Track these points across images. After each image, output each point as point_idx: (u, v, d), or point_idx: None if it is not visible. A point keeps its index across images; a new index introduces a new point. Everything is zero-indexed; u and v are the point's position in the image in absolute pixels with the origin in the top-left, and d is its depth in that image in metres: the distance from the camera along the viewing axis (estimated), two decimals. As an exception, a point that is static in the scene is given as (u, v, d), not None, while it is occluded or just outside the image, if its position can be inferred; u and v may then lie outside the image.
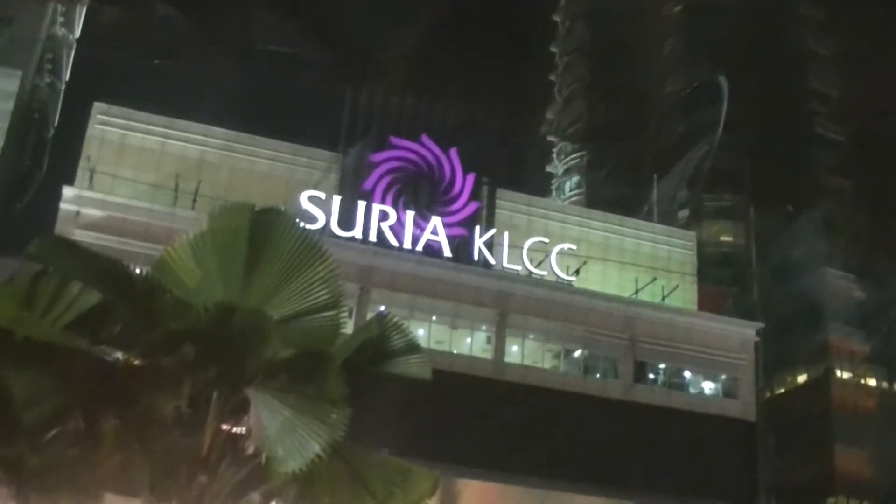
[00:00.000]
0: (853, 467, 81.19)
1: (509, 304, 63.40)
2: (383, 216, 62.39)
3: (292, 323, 15.32)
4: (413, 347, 16.80)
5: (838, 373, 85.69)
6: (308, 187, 61.82)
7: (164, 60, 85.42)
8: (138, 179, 59.55)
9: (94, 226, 55.12)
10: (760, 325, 73.15)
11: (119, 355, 15.19)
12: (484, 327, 63.69)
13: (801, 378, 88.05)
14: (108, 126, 61.29)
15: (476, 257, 64.26)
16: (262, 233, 15.13)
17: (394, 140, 65.54)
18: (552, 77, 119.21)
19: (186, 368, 14.73)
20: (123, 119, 61.81)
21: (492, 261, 64.45)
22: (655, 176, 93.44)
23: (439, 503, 28.47)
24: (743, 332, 70.30)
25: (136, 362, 15.29)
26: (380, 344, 16.31)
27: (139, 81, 76.53)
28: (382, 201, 63.19)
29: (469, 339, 63.49)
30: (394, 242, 62.22)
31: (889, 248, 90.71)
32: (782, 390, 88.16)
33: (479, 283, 63.14)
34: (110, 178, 58.99)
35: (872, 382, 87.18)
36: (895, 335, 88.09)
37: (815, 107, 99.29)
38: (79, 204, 56.72)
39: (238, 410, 15.31)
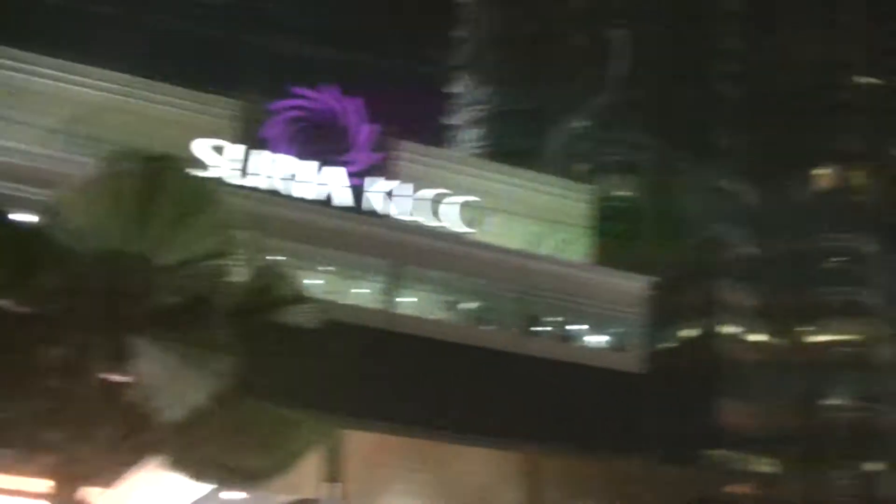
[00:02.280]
0: (736, 419, 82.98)
1: (405, 255, 63.40)
2: (281, 165, 61.97)
3: (182, 270, 15.27)
4: (301, 297, 16.82)
5: (725, 327, 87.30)
6: (206, 134, 61.02)
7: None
8: (33, 124, 58.40)
9: (-14, 170, 54.01)
10: (652, 278, 74.26)
11: (2, 303, 15.06)
12: (379, 278, 63.67)
13: (690, 331, 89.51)
14: (2, 69, 60.00)
15: (374, 208, 64.20)
16: (154, 179, 15.06)
17: (295, 88, 65.03)
18: (458, 32, 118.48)
19: (71, 316, 14.63)
20: (18, 62, 60.44)
21: (390, 212, 64.45)
22: (556, 129, 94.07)
23: (326, 454, 28.73)
24: (635, 286, 71.18)
25: (21, 310, 15.16)
26: (268, 293, 16.31)
27: (36, 23, 75.10)
28: (281, 150, 62.70)
29: (363, 290, 63.47)
30: (291, 192, 61.86)
31: (778, 203, 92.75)
32: (671, 344, 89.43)
33: (376, 233, 62.99)
34: (3, 123, 57.86)
35: (756, 337, 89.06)
36: (782, 290, 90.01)
37: (718, 64, 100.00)
38: (-30, 148, 55.49)
39: (122, 359, 15.20)
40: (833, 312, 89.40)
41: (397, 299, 63.00)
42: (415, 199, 64.85)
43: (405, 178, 65.40)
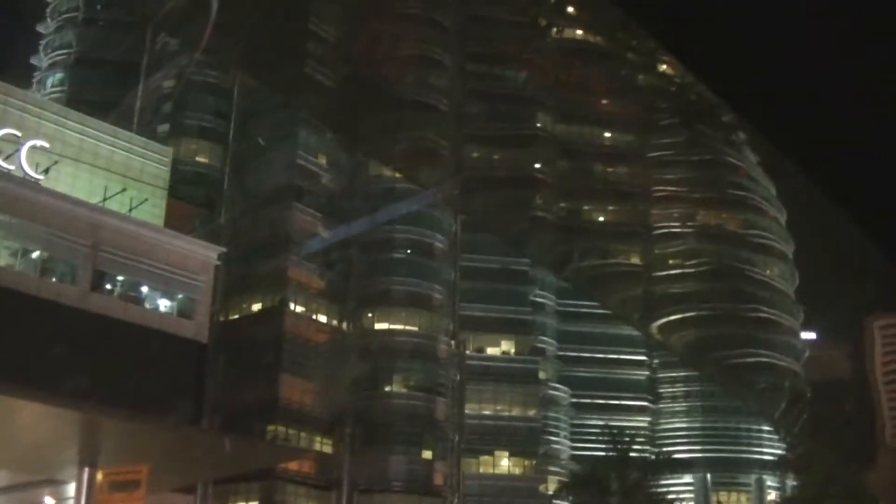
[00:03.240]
0: (297, 396, 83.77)
1: (-31, 193, 59.94)
2: None
3: None
4: None
5: (293, 305, 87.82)
6: None
7: None
8: None
9: None
10: (223, 249, 73.87)
11: None
12: (-61, 215, 59.83)
13: (257, 305, 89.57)
14: None
15: (-61, 141, 60.22)
16: None
17: None
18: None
19: None
20: None
21: (-44, 147, 60.67)
22: (141, 85, 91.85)
23: None
24: (205, 254, 70.65)
25: None
26: None
27: None
28: None
29: (-80, 227, 59.49)
30: None
31: (365, 190, 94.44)
32: (237, 315, 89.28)
33: (-62, 167, 59.22)
34: None
35: (324, 318, 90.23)
36: (351, 275, 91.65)
37: (311, 47, 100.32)
38: None
39: None
40: (399, 302, 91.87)
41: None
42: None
43: (-23, 113, 61.91)
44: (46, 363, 50.09)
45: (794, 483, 59.53)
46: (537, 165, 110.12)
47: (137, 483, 28.95)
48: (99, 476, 31.64)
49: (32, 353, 50.95)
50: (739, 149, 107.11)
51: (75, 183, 66.41)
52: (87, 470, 33.85)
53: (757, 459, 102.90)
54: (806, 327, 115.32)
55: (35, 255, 63.54)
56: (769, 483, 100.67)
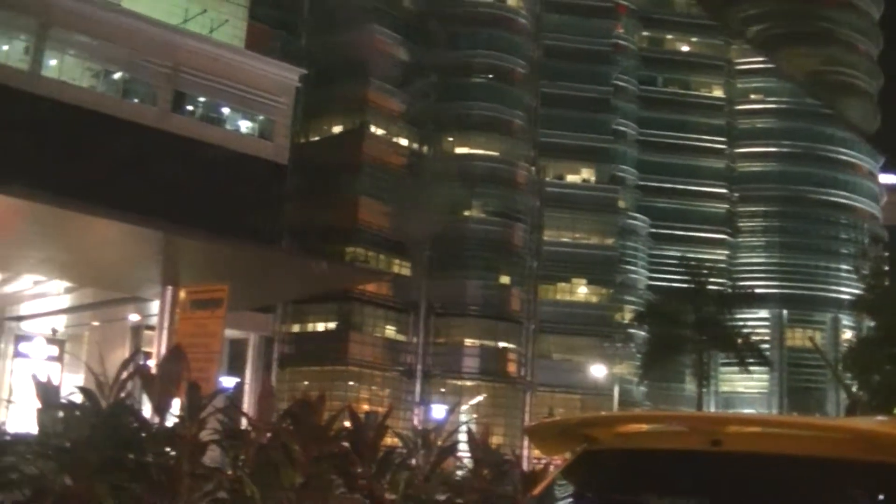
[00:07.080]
0: (375, 219, 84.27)
1: (53, 14, 59.99)
2: None
3: None
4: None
5: (372, 128, 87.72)
6: None
7: None
8: None
9: None
10: (303, 71, 73.73)
11: None
12: (23, 36, 60.05)
13: (337, 128, 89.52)
14: None
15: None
16: None
17: None
18: None
19: None
20: None
21: (37, -33, 60.60)
22: None
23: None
24: (285, 76, 70.56)
25: None
26: None
27: None
28: None
29: (5, 47, 59.81)
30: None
31: (446, 13, 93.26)
32: (317, 138, 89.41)
33: (22, -11, 59.27)
34: None
35: (403, 141, 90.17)
36: (430, 99, 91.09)
37: None
38: None
39: None
40: (479, 127, 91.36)
41: (44, 62, 59.83)
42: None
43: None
44: (128, 183, 50.80)
45: (870, 324, 59.32)
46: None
47: (219, 301, 29.37)
48: (182, 294, 32.18)
49: (114, 174, 51.63)
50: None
51: (155, 4, 66.19)
52: (169, 288, 34.40)
53: (834, 298, 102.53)
54: (885, 170, 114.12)
55: (116, 76, 63.89)
56: (845, 322, 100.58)
